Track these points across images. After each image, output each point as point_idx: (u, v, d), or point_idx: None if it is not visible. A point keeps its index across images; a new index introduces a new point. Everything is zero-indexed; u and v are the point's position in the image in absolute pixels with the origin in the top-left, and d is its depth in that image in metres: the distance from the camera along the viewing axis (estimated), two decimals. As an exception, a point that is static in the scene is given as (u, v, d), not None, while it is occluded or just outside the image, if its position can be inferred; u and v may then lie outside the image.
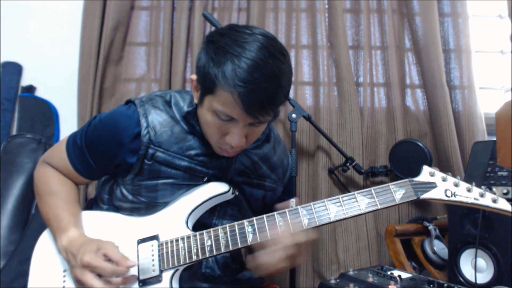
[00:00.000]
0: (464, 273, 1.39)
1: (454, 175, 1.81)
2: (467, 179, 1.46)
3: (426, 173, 0.98)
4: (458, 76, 1.95)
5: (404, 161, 1.78)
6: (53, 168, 1.14)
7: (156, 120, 1.04)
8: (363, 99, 1.97)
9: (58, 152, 1.13)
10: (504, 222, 1.27)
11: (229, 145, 0.97)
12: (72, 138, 1.12)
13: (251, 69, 0.87)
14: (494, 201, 0.93)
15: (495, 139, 1.34)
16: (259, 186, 1.17)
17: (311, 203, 0.97)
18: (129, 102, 1.10)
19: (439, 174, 0.97)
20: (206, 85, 0.93)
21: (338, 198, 0.97)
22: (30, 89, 1.97)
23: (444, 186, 0.96)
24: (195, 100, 1.02)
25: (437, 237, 1.63)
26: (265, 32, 0.94)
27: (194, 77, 0.99)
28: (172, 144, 1.04)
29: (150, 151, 1.03)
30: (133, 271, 0.98)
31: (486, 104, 1.97)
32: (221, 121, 0.94)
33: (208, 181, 1.08)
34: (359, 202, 0.95)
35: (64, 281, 1.01)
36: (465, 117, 1.89)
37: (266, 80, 0.88)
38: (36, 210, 1.79)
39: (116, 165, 1.07)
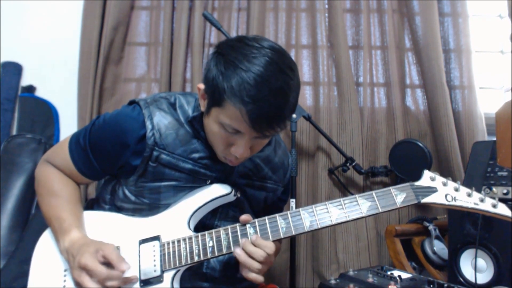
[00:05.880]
0: (464, 273, 1.39)
1: (454, 175, 1.83)
2: (467, 179, 1.48)
3: (427, 178, 0.98)
4: (458, 76, 1.95)
5: (404, 161, 1.78)
6: (55, 168, 1.14)
7: (161, 122, 1.04)
8: (363, 99, 1.97)
9: (61, 152, 1.13)
10: (504, 223, 1.26)
11: (234, 156, 0.98)
12: (75, 138, 1.12)
13: (259, 85, 0.87)
14: (494, 206, 0.94)
15: (495, 139, 1.34)
16: (261, 188, 1.17)
17: (313, 206, 0.98)
18: (133, 102, 1.09)
19: (439, 179, 0.97)
20: (214, 98, 0.93)
21: (340, 201, 0.97)
22: (30, 89, 1.97)
23: (444, 191, 0.96)
24: (202, 108, 1.02)
25: (437, 237, 1.63)
26: (274, 45, 0.94)
27: (201, 86, 0.99)
28: (176, 147, 1.04)
29: (155, 153, 1.03)
30: (135, 272, 0.98)
31: (486, 104, 1.97)
32: (227, 133, 0.95)
33: (211, 183, 1.08)
34: (361, 206, 0.96)
35: (64, 281, 1.01)
36: (465, 117, 1.90)
37: (274, 96, 0.88)
38: (36, 210, 1.79)
39: (119, 166, 1.07)
